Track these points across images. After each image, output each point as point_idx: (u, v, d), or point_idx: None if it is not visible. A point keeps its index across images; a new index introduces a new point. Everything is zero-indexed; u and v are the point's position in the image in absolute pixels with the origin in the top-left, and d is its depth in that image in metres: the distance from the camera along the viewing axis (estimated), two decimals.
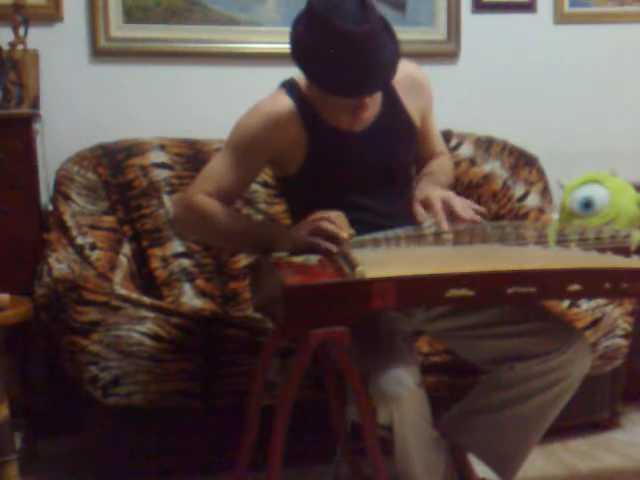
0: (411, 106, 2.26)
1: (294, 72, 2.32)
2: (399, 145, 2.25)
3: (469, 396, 2.27)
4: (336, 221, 2.01)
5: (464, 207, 2.11)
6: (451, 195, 2.13)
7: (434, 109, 2.36)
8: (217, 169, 2.18)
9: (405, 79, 2.23)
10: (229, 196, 2.18)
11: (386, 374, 1.97)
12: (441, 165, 2.37)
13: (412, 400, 1.99)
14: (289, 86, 2.21)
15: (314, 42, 2.02)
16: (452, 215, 2.09)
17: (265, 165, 2.25)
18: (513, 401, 2.16)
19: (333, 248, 1.97)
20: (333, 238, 1.98)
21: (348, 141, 2.18)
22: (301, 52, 2.05)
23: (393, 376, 1.97)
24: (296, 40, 2.07)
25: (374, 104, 2.19)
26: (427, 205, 2.12)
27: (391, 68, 2.06)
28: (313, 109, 2.17)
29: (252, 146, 2.15)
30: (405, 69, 2.19)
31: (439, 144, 2.42)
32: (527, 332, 2.15)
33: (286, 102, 2.17)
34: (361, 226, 2.05)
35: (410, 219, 2.18)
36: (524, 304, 2.20)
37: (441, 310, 2.24)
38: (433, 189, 2.17)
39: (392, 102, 2.23)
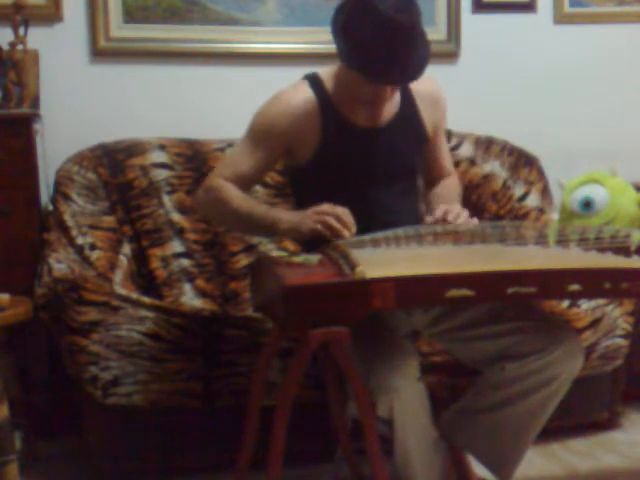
0: (426, 117, 2.30)
1: (294, 72, 2.33)
2: (408, 148, 2.30)
3: (465, 397, 2.28)
4: (342, 218, 2.03)
5: (456, 217, 2.17)
6: (456, 212, 2.18)
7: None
8: (236, 155, 2.26)
9: (425, 91, 2.29)
10: (246, 181, 2.23)
11: (387, 367, 1.99)
12: (449, 188, 2.42)
13: (412, 392, 2.00)
14: (312, 78, 2.25)
15: (355, 22, 2.06)
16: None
17: (281, 153, 2.26)
18: (507, 401, 2.17)
19: (332, 239, 2.00)
20: (335, 234, 2.01)
21: (360, 137, 2.22)
22: (341, 30, 2.09)
23: (394, 369, 1.99)
24: (338, 19, 2.10)
25: (391, 104, 2.23)
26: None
27: (420, 66, 2.11)
28: (331, 103, 2.21)
29: (269, 133, 2.20)
30: (427, 83, 2.27)
31: (448, 163, 2.47)
32: (518, 330, 2.16)
33: (306, 92, 2.22)
34: (363, 221, 2.07)
35: (412, 218, 2.18)
36: (518, 303, 2.21)
37: (437, 312, 2.25)
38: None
39: (409, 108, 2.28)
